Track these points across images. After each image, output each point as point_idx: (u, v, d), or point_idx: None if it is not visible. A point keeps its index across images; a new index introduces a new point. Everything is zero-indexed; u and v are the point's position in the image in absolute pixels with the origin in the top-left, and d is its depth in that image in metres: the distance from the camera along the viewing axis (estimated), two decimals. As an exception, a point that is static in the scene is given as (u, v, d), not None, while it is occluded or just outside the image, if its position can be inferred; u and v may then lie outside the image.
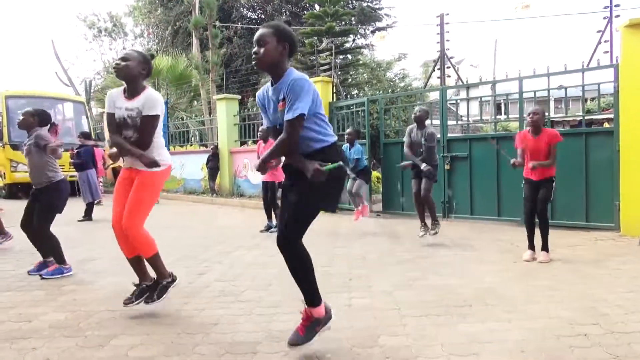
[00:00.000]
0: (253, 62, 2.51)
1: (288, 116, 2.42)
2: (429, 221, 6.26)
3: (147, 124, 3.23)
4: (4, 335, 3.00)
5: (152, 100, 3.25)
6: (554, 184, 5.07)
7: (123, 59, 3.27)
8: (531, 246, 5.14)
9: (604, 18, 19.88)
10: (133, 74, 3.25)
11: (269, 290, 4.02)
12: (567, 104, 8.82)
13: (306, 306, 2.63)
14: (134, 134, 3.27)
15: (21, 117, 4.72)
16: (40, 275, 4.47)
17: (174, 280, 3.51)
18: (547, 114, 5.35)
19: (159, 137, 3.37)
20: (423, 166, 5.97)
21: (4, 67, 57.98)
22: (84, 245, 6.23)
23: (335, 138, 2.66)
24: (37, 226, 4.55)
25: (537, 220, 5.12)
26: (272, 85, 2.59)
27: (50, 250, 4.58)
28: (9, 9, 58.87)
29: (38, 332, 3.05)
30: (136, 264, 3.44)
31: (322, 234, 6.85)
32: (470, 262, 5.02)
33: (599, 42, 19.69)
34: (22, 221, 4.72)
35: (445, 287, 4.05)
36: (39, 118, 4.75)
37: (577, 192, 6.87)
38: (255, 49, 2.48)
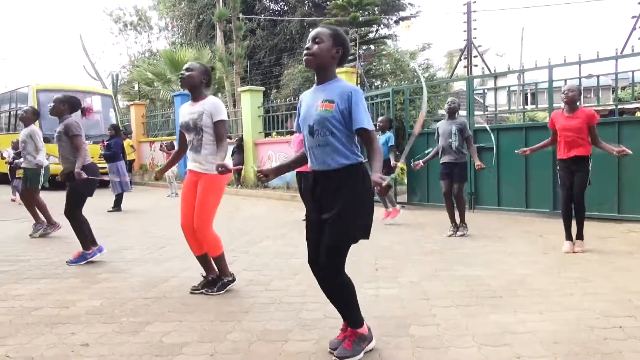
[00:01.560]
0: (303, 58, 2.44)
1: (365, 124, 2.34)
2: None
3: (219, 128, 3.53)
4: (44, 320, 3.11)
5: (217, 106, 3.56)
6: (589, 166, 4.91)
7: (187, 69, 3.58)
8: (569, 237, 5.02)
9: (639, 3, 19.22)
10: (196, 83, 3.58)
11: (295, 279, 4.05)
12: (598, 93, 8.56)
13: (350, 328, 2.54)
14: (195, 137, 3.55)
15: (51, 104, 4.84)
16: (67, 263, 4.65)
17: (233, 280, 3.77)
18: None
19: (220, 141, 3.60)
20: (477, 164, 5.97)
21: (35, 61, 59.46)
22: (115, 234, 6.38)
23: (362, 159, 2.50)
24: (66, 209, 4.67)
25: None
26: (316, 85, 2.52)
27: (77, 232, 4.70)
28: (39, 5, 60.20)
29: (76, 317, 3.15)
30: (203, 260, 3.74)
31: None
32: (498, 254, 4.96)
33: (634, 28, 19.05)
34: (66, 210, 4.80)
35: (473, 278, 4.02)
36: (69, 104, 4.86)
37: (608, 183, 6.70)
38: (308, 45, 2.42)
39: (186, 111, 3.63)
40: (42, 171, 6.40)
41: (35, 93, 14.09)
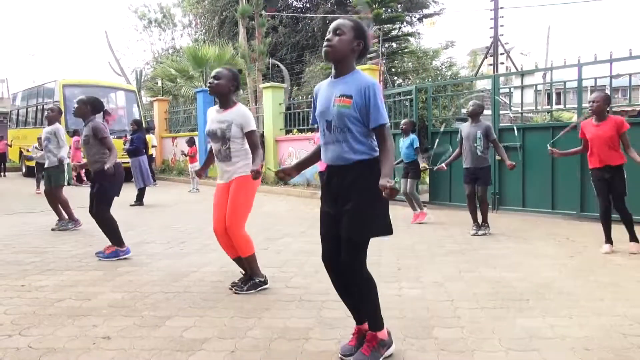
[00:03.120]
0: (323, 49, 2.36)
1: (382, 121, 2.29)
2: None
3: (252, 138, 3.55)
4: (66, 311, 3.13)
5: (246, 116, 3.55)
6: (624, 174, 4.82)
7: (215, 77, 3.55)
8: (608, 240, 4.97)
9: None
10: (224, 90, 3.55)
11: (316, 277, 4.01)
12: (629, 92, 8.28)
13: (369, 330, 2.47)
14: (222, 147, 3.54)
15: (75, 106, 4.88)
16: (98, 256, 4.67)
17: (265, 282, 3.70)
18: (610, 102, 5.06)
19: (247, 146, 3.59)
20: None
21: (62, 58, 60.67)
22: (137, 228, 6.43)
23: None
24: (95, 209, 4.72)
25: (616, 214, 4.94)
26: (332, 78, 2.44)
27: (107, 232, 4.74)
28: (67, 2, 61.40)
29: (97, 310, 3.17)
30: (239, 261, 3.73)
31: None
32: (524, 255, 4.84)
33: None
34: (89, 208, 4.85)
35: (499, 279, 3.92)
36: (91, 106, 4.89)
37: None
38: (329, 36, 2.34)
39: (214, 118, 3.60)
40: (65, 167, 6.48)
41: (62, 88, 14.34)
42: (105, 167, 4.58)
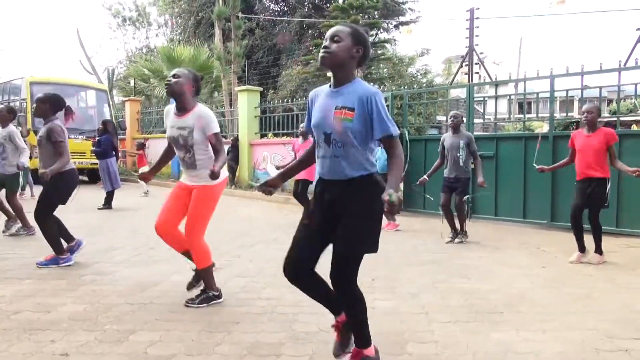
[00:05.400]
0: (320, 57, 2.24)
1: (392, 131, 2.19)
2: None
3: (215, 141, 3.34)
4: (23, 325, 2.95)
5: (207, 118, 3.32)
6: (607, 188, 4.89)
7: (174, 75, 3.33)
8: (581, 248, 5.03)
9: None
10: (183, 90, 3.31)
11: (289, 288, 3.85)
12: (599, 105, 8.48)
13: (355, 347, 2.41)
14: (186, 154, 3.35)
15: (34, 105, 4.57)
16: (37, 264, 4.43)
17: (219, 296, 3.50)
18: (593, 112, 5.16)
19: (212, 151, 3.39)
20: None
21: (30, 54, 58.97)
22: (104, 234, 6.21)
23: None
24: (35, 212, 4.45)
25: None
26: (331, 87, 2.32)
27: (46, 237, 4.47)
28: (35, -4, 59.68)
29: (57, 324, 2.99)
30: (188, 254, 3.53)
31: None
32: (496, 265, 4.85)
33: (638, 40, 19.06)
34: (35, 213, 4.54)
35: (472, 291, 3.90)
36: (51, 104, 4.53)
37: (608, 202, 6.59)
38: (326, 44, 2.22)
39: (174, 123, 3.37)
40: (21, 173, 6.10)
41: (29, 85, 13.84)
42: (41, 171, 4.26)
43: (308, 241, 2.37)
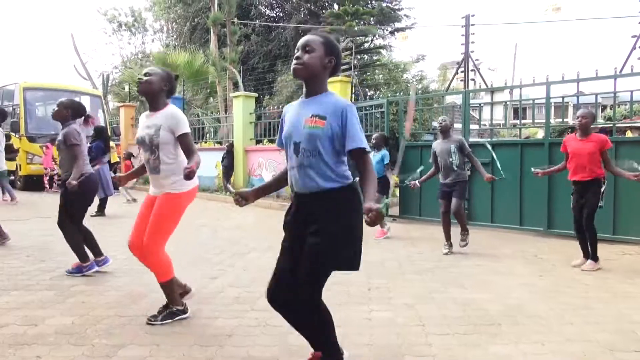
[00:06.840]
0: (292, 68, 2.22)
1: (364, 144, 2.13)
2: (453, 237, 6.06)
3: (185, 142, 3.13)
4: (8, 339, 2.87)
5: (176, 118, 3.14)
6: (602, 189, 4.95)
7: (146, 74, 3.20)
8: (585, 255, 5.09)
9: (640, 22, 19.43)
10: (154, 89, 3.17)
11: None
12: (596, 111, 8.48)
13: None
14: (151, 156, 3.18)
15: (55, 109, 4.59)
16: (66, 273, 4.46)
17: (184, 311, 3.32)
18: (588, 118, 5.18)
19: (183, 157, 3.20)
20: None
21: (24, 59, 58.80)
22: (98, 242, 6.09)
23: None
24: (58, 219, 4.47)
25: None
26: (303, 97, 2.30)
27: (70, 245, 4.48)
28: (30, 1, 59.63)
29: (43, 337, 2.91)
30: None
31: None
32: (493, 274, 4.79)
33: (634, 48, 19.18)
34: (58, 220, 4.54)
35: (470, 301, 3.84)
36: (72, 110, 4.61)
37: (603, 202, 6.57)
38: (298, 54, 2.19)
39: (143, 123, 3.22)
40: None
41: (22, 91, 13.76)
42: (67, 183, 4.28)
43: (284, 265, 2.33)
